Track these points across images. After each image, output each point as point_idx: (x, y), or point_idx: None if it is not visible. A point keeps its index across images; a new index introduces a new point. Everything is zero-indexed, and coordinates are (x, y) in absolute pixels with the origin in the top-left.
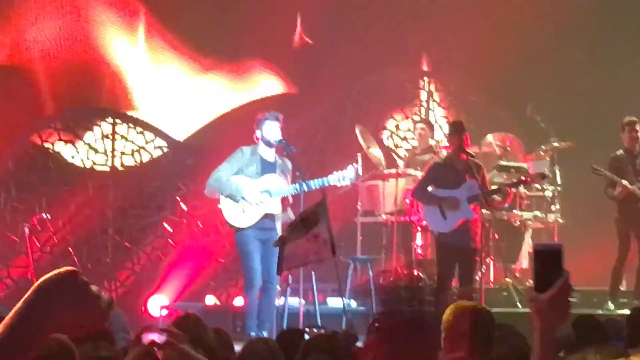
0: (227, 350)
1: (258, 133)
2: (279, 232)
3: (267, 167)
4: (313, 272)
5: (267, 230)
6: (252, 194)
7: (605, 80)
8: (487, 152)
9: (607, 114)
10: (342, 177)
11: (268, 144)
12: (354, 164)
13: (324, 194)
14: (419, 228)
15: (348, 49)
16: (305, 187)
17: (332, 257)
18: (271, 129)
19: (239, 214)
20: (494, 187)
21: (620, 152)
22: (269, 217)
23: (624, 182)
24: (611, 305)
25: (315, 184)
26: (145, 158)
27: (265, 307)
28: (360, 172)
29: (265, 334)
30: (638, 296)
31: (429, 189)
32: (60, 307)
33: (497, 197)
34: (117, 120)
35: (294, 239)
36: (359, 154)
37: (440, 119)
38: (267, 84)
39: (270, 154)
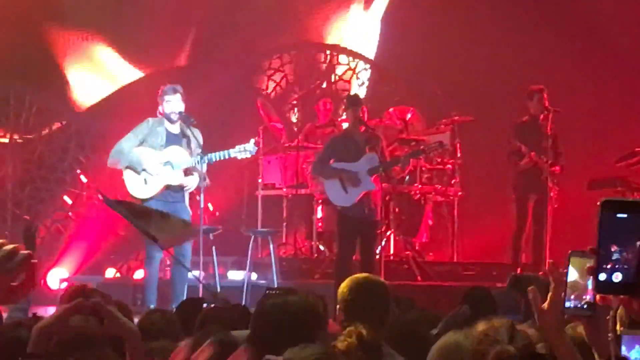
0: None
1: (160, 108)
2: (187, 203)
3: (172, 139)
4: (214, 246)
5: (171, 202)
6: (154, 165)
7: (503, 50)
8: (388, 126)
9: (503, 85)
10: (244, 149)
11: (169, 119)
12: (255, 138)
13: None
14: (319, 201)
15: (248, 20)
16: (206, 159)
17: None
18: (171, 104)
19: (141, 185)
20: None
21: (525, 118)
22: (171, 188)
23: (532, 153)
24: None
25: (216, 156)
26: (45, 130)
27: (176, 280)
28: (260, 145)
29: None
30: (537, 268)
31: (330, 163)
32: None
33: (395, 170)
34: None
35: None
36: (259, 128)
37: (341, 92)
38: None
39: (175, 127)
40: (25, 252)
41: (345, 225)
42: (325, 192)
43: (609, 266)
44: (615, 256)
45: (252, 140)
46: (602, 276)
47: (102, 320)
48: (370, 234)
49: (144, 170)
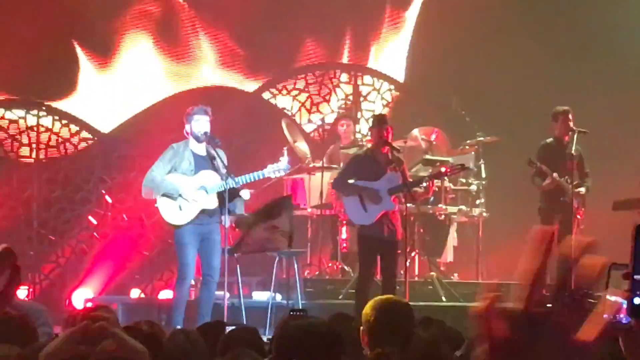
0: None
1: (187, 127)
2: (220, 224)
3: (199, 162)
4: (238, 266)
5: (206, 225)
6: (189, 191)
7: (528, 74)
8: (413, 146)
9: (530, 108)
10: (277, 169)
11: (197, 138)
12: (286, 156)
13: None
14: (344, 222)
15: (274, 39)
16: (241, 181)
17: (288, 249)
18: (200, 123)
19: (176, 212)
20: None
21: (550, 140)
22: (206, 212)
23: (555, 174)
24: None
25: (250, 177)
26: (70, 150)
27: (204, 301)
28: (289, 165)
29: None
30: (560, 288)
31: (350, 181)
32: None
33: (419, 190)
34: (42, 112)
35: (254, 225)
36: (285, 148)
37: (366, 112)
38: (195, 75)
39: (201, 148)
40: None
41: (365, 245)
42: (345, 210)
43: None
44: None
45: (283, 158)
46: (637, 300)
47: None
48: (391, 254)
49: (180, 196)
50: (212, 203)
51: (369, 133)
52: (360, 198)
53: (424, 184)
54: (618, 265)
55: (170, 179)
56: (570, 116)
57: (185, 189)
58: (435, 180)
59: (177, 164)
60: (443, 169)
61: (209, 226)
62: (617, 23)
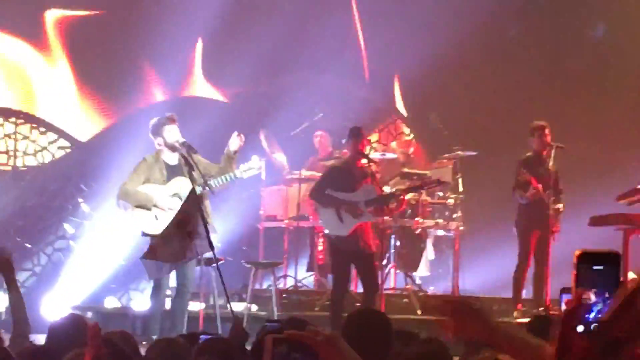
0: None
1: (160, 141)
2: None
3: (171, 171)
4: (214, 276)
5: None
6: (163, 200)
7: (506, 87)
8: (390, 159)
9: (507, 122)
10: (248, 168)
11: (172, 148)
12: (257, 155)
13: (192, 189)
14: (320, 234)
15: (253, 48)
16: (214, 184)
17: (210, 249)
18: (172, 132)
19: (152, 222)
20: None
21: (529, 154)
22: None
23: (539, 185)
24: (516, 314)
25: (221, 180)
26: (48, 158)
27: (178, 311)
28: (263, 177)
29: None
30: (538, 303)
31: (326, 192)
32: None
33: (391, 204)
34: (20, 120)
35: (167, 237)
36: (262, 159)
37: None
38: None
39: (173, 158)
40: None
41: (338, 257)
42: (320, 220)
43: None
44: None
45: (255, 157)
46: (580, 328)
47: None
48: (367, 265)
49: (154, 206)
50: None
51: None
52: (336, 209)
53: (396, 197)
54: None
55: (143, 190)
56: (546, 131)
57: (159, 198)
58: (413, 194)
59: (150, 176)
60: (418, 183)
61: None
62: (595, 38)
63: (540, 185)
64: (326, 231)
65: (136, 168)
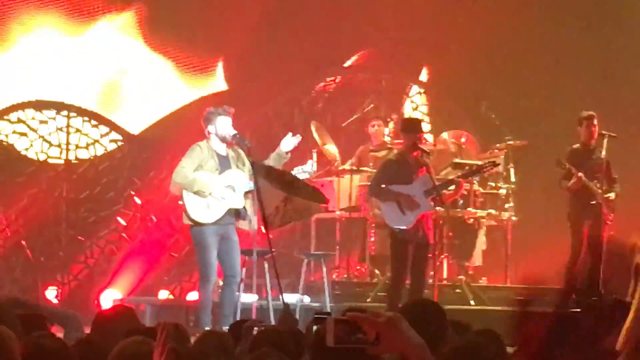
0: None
1: (211, 128)
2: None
3: (223, 162)
4: (267, 268)
5: (227, 225)
6: (219, 189)
7: (557, 77)
8: (442, 150)
9: (559, 111)
10: (302, 171)
11: (223, 139)
12: (312, 159)
13: (255, 165)
14: (372, 224)
15: (303, 45)
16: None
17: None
18: (224, 124)
19: (204, 210)
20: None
21: (577, 145)
22: (230, 212)
23: (580, 174)
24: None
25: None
26: (100, 151)
27: (227, 301)
28: (315, 168)
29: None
30: (590, 293)
31: (383, 186)
32: None
33: (447, 191)
34: (72, 114)
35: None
36: (314, 150)
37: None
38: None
39: (222, 148)
40: None
41: (400, 248)
42: (383, 214)
43: None
44: None
45: (310, 161)
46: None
47: None
48: (422, 256)
49: (210, 194)
50: (240, 202)
51: (392, 134)
52: (397, 202)
53: (455, 183)
54: None
55: (200, 177)
56: (594, 121)
57: (215, 187)
58: (465, 184)
59: (204, 162)
60: (475, 167)
61: (229, 226)
62: None
63: (581, 174)
64: (390, 225)
65: (190, 154)
